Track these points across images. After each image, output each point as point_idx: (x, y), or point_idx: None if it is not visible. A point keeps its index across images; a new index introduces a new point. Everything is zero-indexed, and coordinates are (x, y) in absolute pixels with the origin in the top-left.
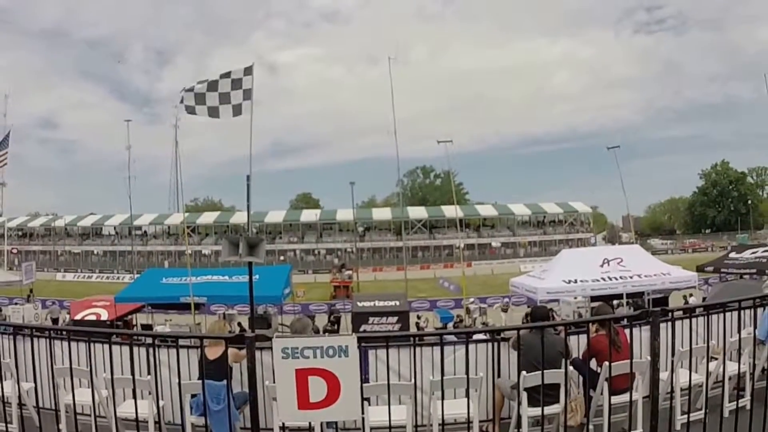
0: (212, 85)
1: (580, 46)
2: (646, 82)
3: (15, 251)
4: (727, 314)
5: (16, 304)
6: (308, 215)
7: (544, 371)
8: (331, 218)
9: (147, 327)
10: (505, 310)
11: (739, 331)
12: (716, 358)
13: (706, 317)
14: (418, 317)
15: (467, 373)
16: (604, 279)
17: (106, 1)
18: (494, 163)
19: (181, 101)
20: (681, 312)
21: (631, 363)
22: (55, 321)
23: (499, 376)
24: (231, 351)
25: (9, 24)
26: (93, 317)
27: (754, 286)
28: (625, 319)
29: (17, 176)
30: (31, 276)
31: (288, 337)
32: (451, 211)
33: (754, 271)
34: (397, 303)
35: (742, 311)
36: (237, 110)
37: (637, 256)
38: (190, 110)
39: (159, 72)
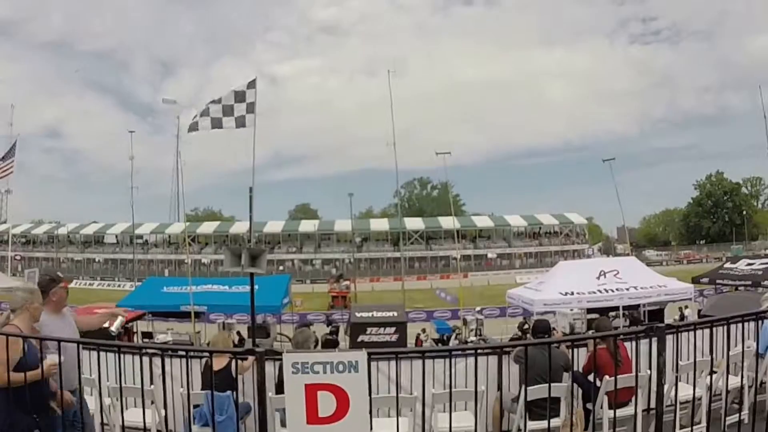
0: (216, 101)
1: (575, 58)
2: (640, 94)
3: (18, 257)
4: (727, 327)
5: None
6: (307, 226)
7: (545, 385)
8: (329, 229)
9: (147, 335)
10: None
11: (743, 345)
12: (715, 372)
13: (710, 329)
14: (423, 330)
15: (476, 387)
16: (600, 291)
17: (110, 13)
18: (490, 174)
19: (191, 130)
20: (679, 328)
21: (637, 377)
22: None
23: (499, 389)
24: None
25: (16, 35)
26: None
27: (751, 299)
28: (622, 335)
29: (22, 184)
30: (34, 283)
31: (296, 352)
32: (447, 222)
33: (749, 282)
34: (395, 314)
35: (744, 324)
36: (240, 122)
37: (633, 268)
38: (192, 127)
39: (162, 83)
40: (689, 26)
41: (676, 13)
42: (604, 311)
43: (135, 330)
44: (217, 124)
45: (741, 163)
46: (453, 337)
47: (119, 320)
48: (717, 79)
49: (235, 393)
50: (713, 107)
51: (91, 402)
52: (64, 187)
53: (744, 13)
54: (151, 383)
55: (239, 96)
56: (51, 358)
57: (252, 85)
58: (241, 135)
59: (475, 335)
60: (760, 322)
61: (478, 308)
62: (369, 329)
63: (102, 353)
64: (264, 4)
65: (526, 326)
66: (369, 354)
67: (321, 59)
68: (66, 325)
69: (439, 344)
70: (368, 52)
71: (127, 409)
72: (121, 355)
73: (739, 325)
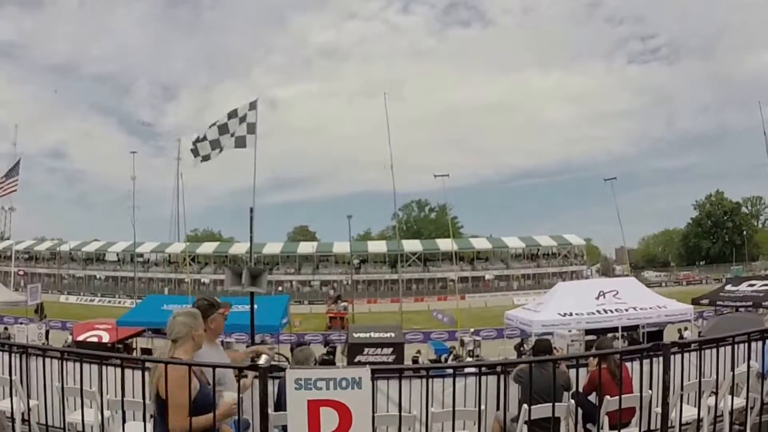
0: (223, 128)
1: (572, 78)
2: (639, 113)
3: (21, 273)
4: (729, 348)
5: (21, 323)
6: (305, 247)
7: (547, 405)
8: (327, 251)
9: (147, 351)
10: None
11: (748, 364)
12: (715, 393)
13: (716, 348)
14: (418, 352)
15: (479, 405)
16: (599, 312)
17: (114, 37)
18: (488, 196)
19: (195, 155)
20: (685, 345)
21: (641, 397)
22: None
23: (497, 408)
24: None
25: (22, 59)
26: (95, 339)
27: (752, 319)
28: (627, 353)
29: (25, 202)
30: (36, 297)
31: (299, 368)
32: (445, 245)
33: (750, 304)
34: (392, 335)
35: (750, 343)
36: (240, 142)
37: (632, 289)
38: (194, 153)
39: (164, 106)
40: (687, 44)
41: (673, 31)
42: (602, 332)
43: (135, 346)
44: (216, 145)
45: (741, 182)
46: (450, 358)
47: (264, 358)
48: (716, 97)
49: (240, 408)
50: (712, 126)
51: (91, 414)
52: (67, 206)
53: (743, 29)
54: (152, 397)
55: (240, 117)
56: (229, 395)
57: (253, 105)
58: (241, 157)
59: (471, 356)
60: (758, 342)
61: (472, 329)
62: (366, 350)
63: (103, 366)
64: (262, 28)
65: (523, 348)
66: (372, 371)
67: (319, 82)
68: (221, 357)
69: None
70: (366, 75)
71: (126, 422)
72: (123, 369)
73: (740, 345)
